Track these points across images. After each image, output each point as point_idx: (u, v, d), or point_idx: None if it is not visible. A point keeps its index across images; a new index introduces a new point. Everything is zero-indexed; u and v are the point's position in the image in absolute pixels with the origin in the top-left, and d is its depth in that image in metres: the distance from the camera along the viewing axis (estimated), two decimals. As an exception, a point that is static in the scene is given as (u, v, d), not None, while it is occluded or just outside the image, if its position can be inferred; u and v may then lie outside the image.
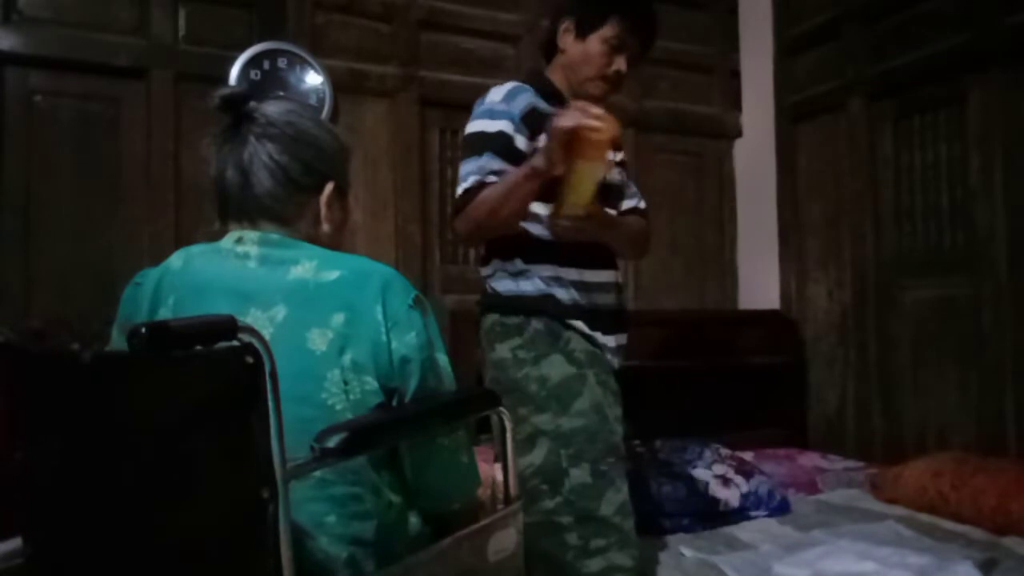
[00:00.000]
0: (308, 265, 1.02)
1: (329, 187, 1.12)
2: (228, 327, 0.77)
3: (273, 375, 0.79)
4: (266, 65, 2.74)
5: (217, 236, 1.10)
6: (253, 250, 1.05)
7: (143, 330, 0.72)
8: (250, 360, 0.78)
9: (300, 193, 1.09)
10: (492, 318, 1.63)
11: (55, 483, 0.97)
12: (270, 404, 0.79)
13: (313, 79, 2.81)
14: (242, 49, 2.71)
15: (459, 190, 1.55)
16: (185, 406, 0.84)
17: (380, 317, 1.00)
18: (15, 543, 1.01)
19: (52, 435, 0.96)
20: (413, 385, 1.03)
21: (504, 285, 1.62)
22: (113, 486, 0.90)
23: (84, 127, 2.62)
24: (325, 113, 2.81)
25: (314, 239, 1.09)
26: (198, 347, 0.77)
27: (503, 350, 1.59)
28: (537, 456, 1.53)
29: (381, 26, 3.04)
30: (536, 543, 1.44)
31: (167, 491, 0.86)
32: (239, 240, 1.06)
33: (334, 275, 1.02)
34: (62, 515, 0.96)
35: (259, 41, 2.76)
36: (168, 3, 2.71)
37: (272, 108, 1.10)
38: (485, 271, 1.67)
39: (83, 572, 0.96)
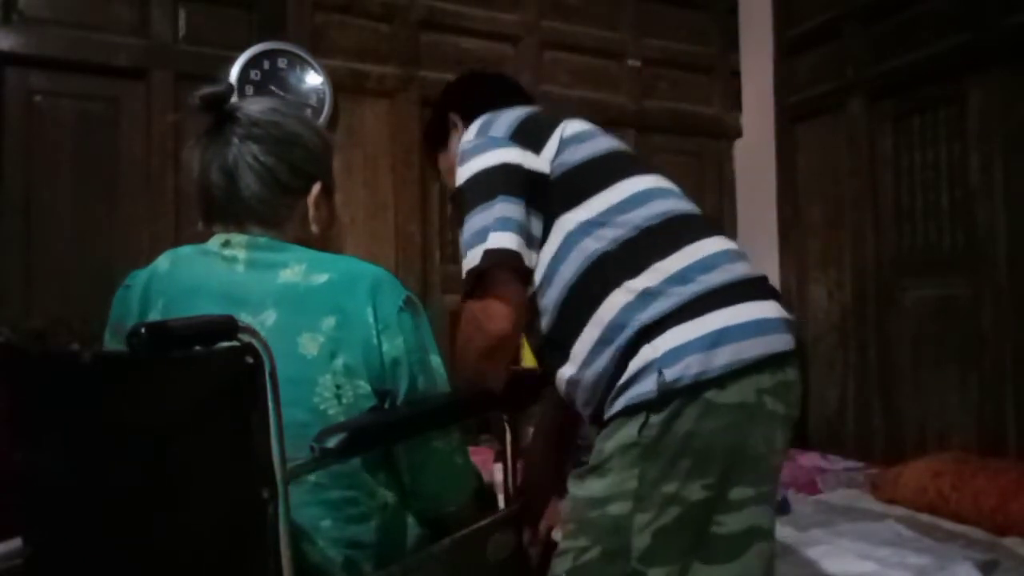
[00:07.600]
0: (297, 268, 1.01)
1: (316, 187, 1.10)
2: (228, 327, 0.77)
3: (273, 375, 0.79)
4: (266, 65, 2.74)
5: (202, 238, 1.08)
6: (241, 254, 1.03)
7: (143, 330, 0.72)
8: (250, 360, 0.78)
9: (288, 195, 1.07)
10: None
11: (55, 483, 0.97)
12: (270, 404, 0.79)
13: (313, 79, 2.81)
14: (242, 49, 2.71)
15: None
16: (185, 406, 0.84)
17: (371, 320, 0.99)
18: (15, 543, 1.00)
19: (52, 435, 0.96)
20: (404, 387, 1.01)
21: None
22: (113, 486, 0.90)
23: (84, 127, 2.61)
24: (325, 113, 2.81)
25: (302, 240, 1.07)
26: (198, 347, 0.77)
27: None
28: None
29: (381, 26, 3.04)
30: None
31: (167, 491, 0.85)
32: (226, 243, 1.04)
33: (323, 278, 1.00)
34: (62, 515, 0.96)
35: (259, 41, 2.75)
36: (168, 3, 2.70)
37: (255, 107, 1.07)
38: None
39: (83, 572, 0.96)
